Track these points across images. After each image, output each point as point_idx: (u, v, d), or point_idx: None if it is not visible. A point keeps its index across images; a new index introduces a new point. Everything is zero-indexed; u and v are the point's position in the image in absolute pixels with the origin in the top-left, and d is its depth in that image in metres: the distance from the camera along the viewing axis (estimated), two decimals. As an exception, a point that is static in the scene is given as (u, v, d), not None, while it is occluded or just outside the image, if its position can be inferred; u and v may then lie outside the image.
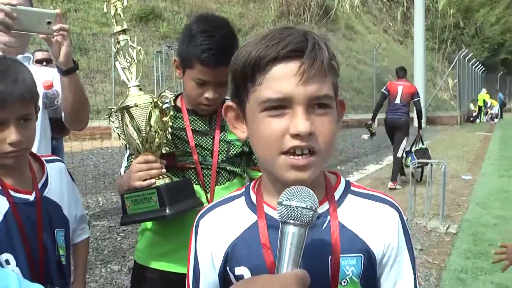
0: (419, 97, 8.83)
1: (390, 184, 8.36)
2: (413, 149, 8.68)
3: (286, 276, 0.83)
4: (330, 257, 1.01)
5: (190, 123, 1.84)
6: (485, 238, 5.65)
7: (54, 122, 2.32)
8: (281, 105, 0.95)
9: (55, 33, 1.82)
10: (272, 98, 0.95)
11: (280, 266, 0.85)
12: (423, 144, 8.87)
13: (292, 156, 0.95)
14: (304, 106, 0.94)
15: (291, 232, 0.85)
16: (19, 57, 2.07)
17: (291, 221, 0.86)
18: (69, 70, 1.91)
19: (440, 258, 5.06)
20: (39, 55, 5.23)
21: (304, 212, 0.86)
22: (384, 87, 9.00)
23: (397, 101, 8.52)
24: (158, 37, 19.06)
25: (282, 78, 0.95)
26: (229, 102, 1.08)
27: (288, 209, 0.86)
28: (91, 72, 15.88)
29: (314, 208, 0.87)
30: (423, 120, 9.27)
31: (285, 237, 0.86)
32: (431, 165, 6.67)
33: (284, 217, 0.86)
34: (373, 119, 9.27)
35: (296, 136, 0.94)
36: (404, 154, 8.65)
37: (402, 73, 8.95)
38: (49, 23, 1.81)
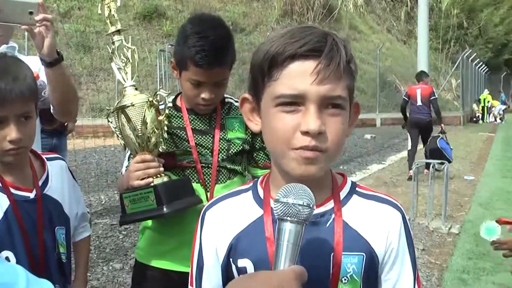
0: (435, 96, 9.65)
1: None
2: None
3: (284, 272, 0.84)
4: (332, 254, 1.02)
5: (190, 122, 1.84)
6: (487, 238, 5.63)
7: (43, 113, 2.30)
8: (294, 102, 0.97)
9: (37, 24, 1.76)
10: (286, 94, 0.97)
11: (278, 263, 0.86)
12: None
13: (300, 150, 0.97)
14: (317, 104, 0.95)
15: (288, 229, 0.86)
16: (3, 47, 2.02)
17: (288, 218, 0.87)
18: (53, 62, 1.87)
19: (442, 258, 5.05)
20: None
21: (301, 209, 0.86)
22: (404, 93, 10.14)
23: (419, 103, 9.40)
24: (162, 35, 19.03)
25: (297, 76, 0.96)
26: (245, 94, 1.10)
27: (285, 206, 0.87)
28: (94, 70, 15.89)
29: (311, 205, 0.88)
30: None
31: (282, 234, 0.86)
32: (434, 165, 6.66)
33: (281, 214, 0.87)
34: (405, 119, 9.88)
35: (306, 133, 0.95)
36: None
37: (421, 77, 9.92)
38: (31, 13, 1.75)
